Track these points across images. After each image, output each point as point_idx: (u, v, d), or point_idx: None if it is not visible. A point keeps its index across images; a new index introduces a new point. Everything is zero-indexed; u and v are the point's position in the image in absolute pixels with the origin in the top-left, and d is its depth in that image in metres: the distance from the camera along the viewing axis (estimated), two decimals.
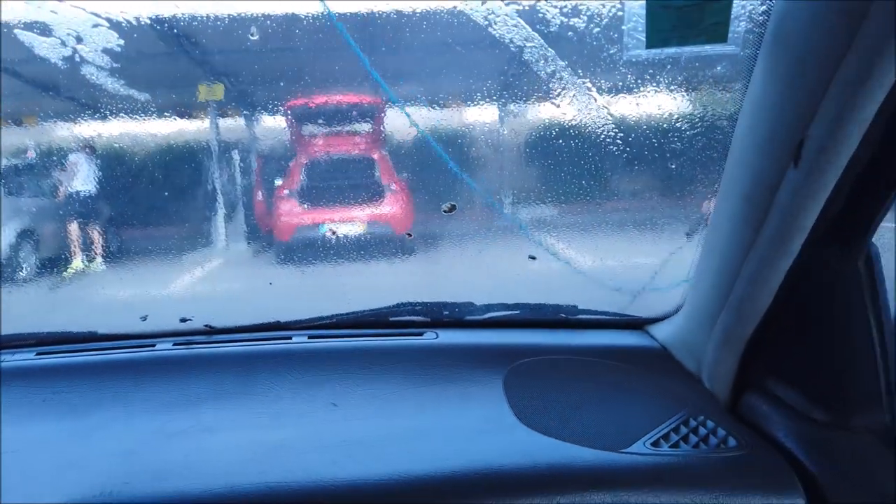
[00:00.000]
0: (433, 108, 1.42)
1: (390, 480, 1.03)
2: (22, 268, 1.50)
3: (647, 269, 1.49)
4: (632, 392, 1.28)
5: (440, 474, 1.04)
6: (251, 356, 1.41)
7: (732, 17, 0.87)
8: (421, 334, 1.46)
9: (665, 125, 1.30)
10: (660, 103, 1.30)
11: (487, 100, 1.30)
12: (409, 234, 1.39)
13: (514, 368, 1.35)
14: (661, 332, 1.42)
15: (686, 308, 1.33)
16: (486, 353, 1.41)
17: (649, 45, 0.84)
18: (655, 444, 1.09)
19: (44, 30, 1.19)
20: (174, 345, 1.43)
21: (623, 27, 1.00)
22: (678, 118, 1.29)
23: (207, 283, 1.53)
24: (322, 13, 1.21)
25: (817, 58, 0.79)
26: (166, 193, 1.57)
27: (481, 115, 1.32)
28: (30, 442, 1.15)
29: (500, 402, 1.24)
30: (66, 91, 1.31)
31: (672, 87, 1.25)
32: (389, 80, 1.38)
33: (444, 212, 1.32)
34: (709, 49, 0.88)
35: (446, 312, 1.53)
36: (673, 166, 1.34)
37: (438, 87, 1.42)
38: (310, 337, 1.45)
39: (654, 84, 1.26)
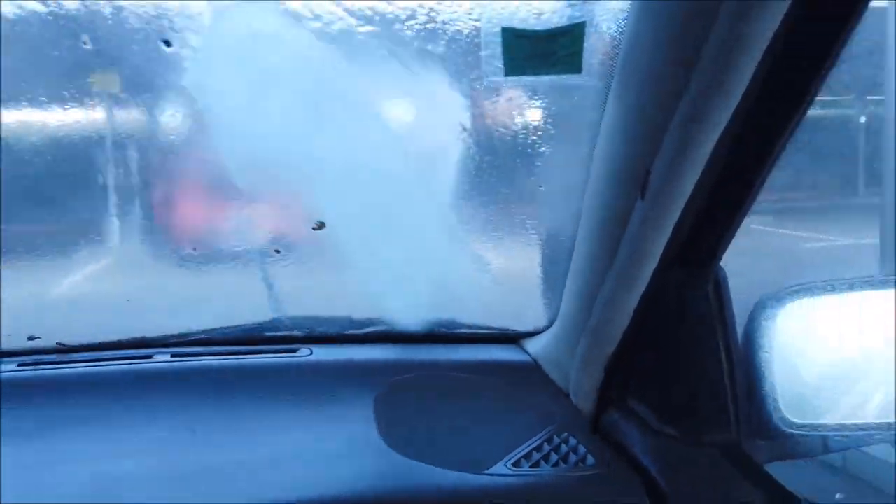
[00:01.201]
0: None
1: None
2: None
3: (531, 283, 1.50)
4: (500, 409, 1.29)
5: (299, 502, 1.00)
6: (107, 378, 1.32)
7: (589, 48, 0.88)
8: (294, 351, 1.42)
9: (528, 150, 1.32)
10: (521, 129, 1.31)
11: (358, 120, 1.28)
12: (278, 251, 1.34)
13: (387, 386, 1.33)
14: (534, 346, 1.44)
15: (557, 324, 1.35)
16: (361, 370, 1.38)
17: (507, 73, 0.84)
18: (516, 463, 1.10)
19: None
20: (19, 366, 1.31)
21: (481, 53, 1.00)
22: (540, 143, 1.31)
23: (57, 294, 1.42)
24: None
25: (657, 95, 0.81)
26: (42, 190, 1.44)
27: (356, 139, 1.29)
28: None
29: (368, 423, 1.21)
30: None
31: (533, 114, 1.27)
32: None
33: (314, 229, 1.28)
34: (566, 79, 0.89)
35: (322, 328, 1.49)
36: (542, 187, 1.37)
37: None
38: (173, 356, 1.38)
39: (518, 110, 1.28)
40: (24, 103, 1.34)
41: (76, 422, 1.21)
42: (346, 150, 1.29)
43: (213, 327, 1.47)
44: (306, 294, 1.47)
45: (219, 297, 1.50)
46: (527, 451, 1.12)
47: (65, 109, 1.35)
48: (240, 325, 1.47)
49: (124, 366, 1.34)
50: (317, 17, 1.24)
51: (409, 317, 1.46)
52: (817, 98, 0.76)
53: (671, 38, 0.78)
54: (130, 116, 1.41)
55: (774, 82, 0.72)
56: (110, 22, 1.26)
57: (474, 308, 1.49)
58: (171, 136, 1.42)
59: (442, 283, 1.50)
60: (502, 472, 1.08)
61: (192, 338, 1.46)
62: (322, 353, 1.42)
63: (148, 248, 1.56)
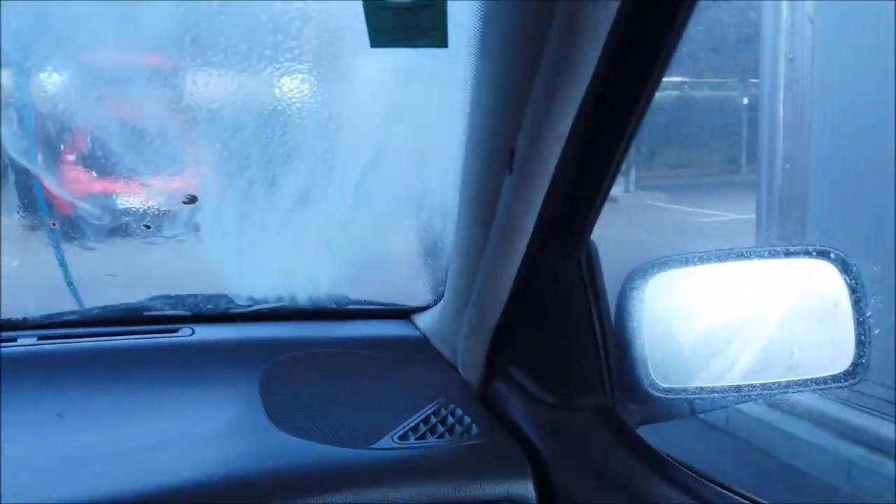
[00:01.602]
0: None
1: (116, 500, 0.95)
2: None
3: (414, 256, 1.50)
4: (389, 384, 1.29)
5: (174, 487, 0.97)
6: None
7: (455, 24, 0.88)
8: (175, 331, 1.36)
9: (413, 125, 1.32)
10: (388, 101, 1.31)
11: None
12: (147, 227, 1.27)
13: (273, 365, 1.31)
14: (424, 321, 1.45)
15: (444, 298, 1.37)
16: (246, 349, 1.35)
17: (373, 45, 0.83)
18: (403, 437, 1.11)
19: None
20: None
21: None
22: (406, 116, 1.31)
23: None
24: None
25: (512, 71, 0.83)
26: None
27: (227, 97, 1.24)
28: None
29: (253, 403, 1.19)
30: None
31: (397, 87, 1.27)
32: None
33: (184, 203, 1.23)
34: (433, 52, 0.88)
35: (209, 306, 1.44)
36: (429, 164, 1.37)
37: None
38: (40, 338, 1.29)
39: (383, 82, 1.27)
40: None
41: None
42: (230, 121, 1.24)
43: (86, 308, 1.40)
44: (188, 273, 1.41)
45: (92, 276, 1.42)
46: (413, 423, 1.14)
47: None
48: (116, 305, 1.40)
49: None
50: None
51: (298, 293, 1.44)
52: (707, 80, 0.79)
53: (520, 12, 0.78)
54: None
55: (621, 60, 0.75)
56: None
57: (365, 284, 1.49)
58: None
59: (333, 258, 1.48)
60: (388, 445, 1.08)
61: (63, 319, 1.37)
62: (205, 333, 1.38)
63: (14, 222, 1.45)
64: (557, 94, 0.76)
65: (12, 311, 1.37)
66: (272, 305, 1.45)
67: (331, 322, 1.46)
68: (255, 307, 1.45)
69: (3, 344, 1.28)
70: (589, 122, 0.81)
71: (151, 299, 1.43)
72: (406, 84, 1.33)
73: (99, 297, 1.42)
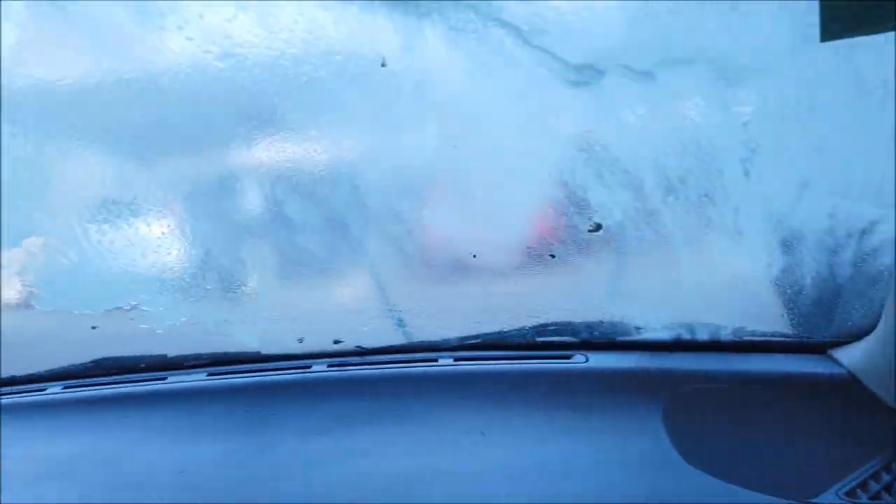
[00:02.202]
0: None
1: None
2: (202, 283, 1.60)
3: (828, 284, 1.31)
4: (815, 428, 1.13)
5: None
6: (401, 379, 1.42)
7: None
8: (569, 357, 1.40)
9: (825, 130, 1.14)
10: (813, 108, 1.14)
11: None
12: (553, 255, 1.32)
13: (674, 397, 1.24)
14: (849, 356, 1.24)
15: (878, 330, 1.15)
16: (642, 379, 1.31)
17: (823, 39, 0.72)
18: (850, 493, 0.95)
19: None
20: (329, 366, 1.47)
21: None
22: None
23: (355, 301, 1.56)
24: None
25: None
26: (319, 209, 1.58)
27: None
28: (199, 464, 1.23)
29: (659, 435, 1.14)
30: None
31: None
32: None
33: (589, 231, 1.24)
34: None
35: (596, 333, 1.45)
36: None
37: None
38: (456, 359, 1.44)
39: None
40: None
41: (378, 419, 1.32)
42: (624, 150, 1.24)
43: (489, 332, 1.51)
44: (580, 298, 1.44)
45: (494, 302, 1.53)
46: (862, 478, 0.97)
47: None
48: (513, 330, 1.49)
49: (415, 368, 1.43)
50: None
51: (694, 323, 1.36)
52: None
53: None
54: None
55: None
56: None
57: (769, 313, 1.34)
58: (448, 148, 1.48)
59: (728, 285, 1.37)
60: (833, 500, 0.93)
61: (472, 342, 1.51)
62: (598, 360, 1.38)
63: (424, 256, 1.64)
64: None
65: (427, 335, 1.54)
66: (663, 335, 1.40)
67: (732, 354, 1.34)
68: (646, 336, 1.41)
69: (424, 364, 1.46)
70: None
71: (542, 325, 1.49)
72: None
73: (494, 324, 1.53)
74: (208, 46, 1.26)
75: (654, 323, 1.39)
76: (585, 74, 1.20)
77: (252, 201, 1.53)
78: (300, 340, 1.53)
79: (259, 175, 1.47)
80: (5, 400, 1.45)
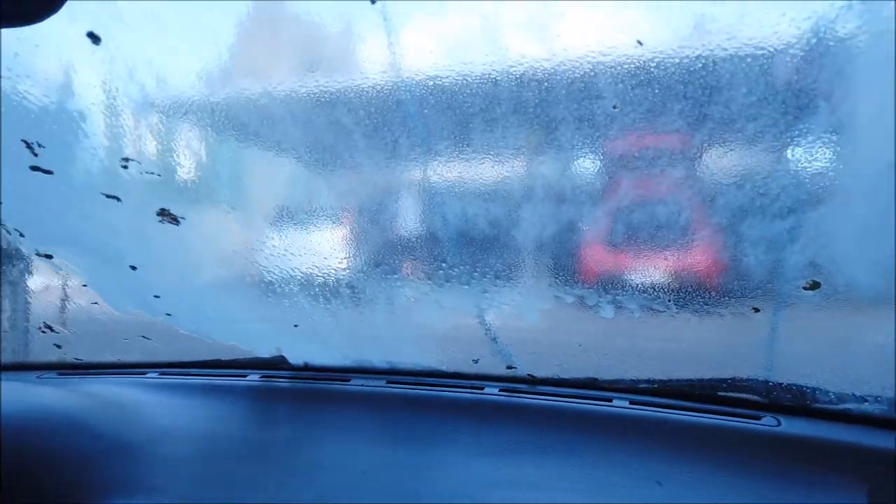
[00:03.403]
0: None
1: None
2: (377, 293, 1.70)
3: None
4: None
5: None
6: (571, 413, 1.41)
7: None
8: (758, 418, 1.31)
9: None
10: None
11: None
12: (757, 310, 1.25)
13: (881, 478, 1.13)
14: None
15: None
16: (843, 454, 1.20)
17: None
18: None
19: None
20: (500, 391, 1.50)
21: None
22: None
23: (529, 330, 1.57)
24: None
25: None
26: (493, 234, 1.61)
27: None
28: (380, 466, 1.30)
29: None
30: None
31: None
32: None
33: (804, 288, 1.16)
34: None
35: (789, 396, 1.35)
36: None
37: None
38: (631, 402, 1.40)
39: None
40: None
41: (547, 451, 1.32)
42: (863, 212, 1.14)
43: (663, 377, 1.47)
44: (776, 357, 1.35)
45: (678, 348, 1.48)
46: None
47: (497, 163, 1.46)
48: (695, 380, 1.43)
49: (586, 405, 1.41)
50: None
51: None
52: None
53: None
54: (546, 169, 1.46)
55: None
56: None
57: None
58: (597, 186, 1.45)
59: None
60: None
61: (644, 386, 1.47)
62: (792, 426, 1.28)
63: (612, 292, 1.61)
64: None
65: (601, 372, 1.52)
66: (868, 407, 1.28)
67: None
68: (846, 406, 1.29)
69: (597, 402, 1.44)
70: None
71: (729, 379, 1.41)
72: None
73: (676, 370, 1.48)
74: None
75: (858, 394, 1.27)
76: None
77: (453, 218, 1.55)
78: (475, 361, 1.57)
79: (462, 192, 1.50)
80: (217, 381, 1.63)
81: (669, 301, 1.34)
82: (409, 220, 1.57)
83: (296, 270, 1.59)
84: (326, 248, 1.56)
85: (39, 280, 1.61)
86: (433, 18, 1.26)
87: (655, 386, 1.46)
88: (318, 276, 1.62)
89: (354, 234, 1.56)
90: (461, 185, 1.52)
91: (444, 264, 1.53)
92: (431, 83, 1.31)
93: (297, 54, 1.38)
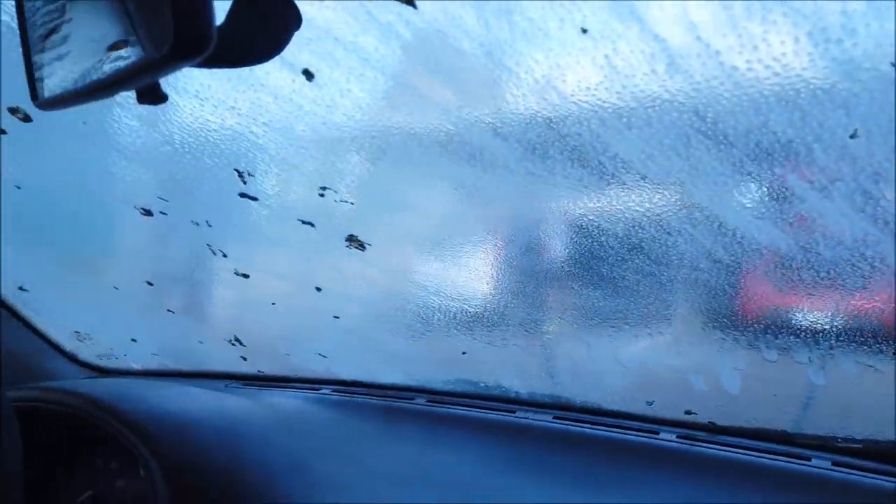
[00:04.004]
0: None
1: None
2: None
3: None
4: None
5: None
6: (762, 470, 1.29)
7: None
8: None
9: None
10: None
11: None
12: None
13: None
14: None
15: None
16: None
17: None
18: None
19: None
20: (677, 437, 1.41)
21: None
22: None
23: (713, 377, 1.47)
24: None
25: None
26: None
27: None
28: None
29: None
30: None
31: None
32: None
33: None
34: None
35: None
36: None
37: None
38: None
39: None
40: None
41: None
42: None
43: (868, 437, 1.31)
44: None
45: (880, 404, 1.32)
46: None
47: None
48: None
49: (777, 461, 1.29)
50: None
51: None
52: None
53: None
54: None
55: None
56: None
57: None
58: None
59: None
60: None
61: (845, 445, 1.32)
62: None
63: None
64: None
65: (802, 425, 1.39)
66: None
67: None
68: None
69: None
70: None
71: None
72: None
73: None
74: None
75: None
76: None
77: (641, 259, 1.46)
78: (650, 403, 1.49)
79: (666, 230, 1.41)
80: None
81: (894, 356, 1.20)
82: (596, 258, 1.52)
83: (470, 302, 1.60)
84: (506, 283, 1.57)
85: (234, 296, 1.75)
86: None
87: (859, 445, 1.31)
88: (488, 308, 1.62)
89: (535, 270, 1.55)
90: (661, 220, 1.44)
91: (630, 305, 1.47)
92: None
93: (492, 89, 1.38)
